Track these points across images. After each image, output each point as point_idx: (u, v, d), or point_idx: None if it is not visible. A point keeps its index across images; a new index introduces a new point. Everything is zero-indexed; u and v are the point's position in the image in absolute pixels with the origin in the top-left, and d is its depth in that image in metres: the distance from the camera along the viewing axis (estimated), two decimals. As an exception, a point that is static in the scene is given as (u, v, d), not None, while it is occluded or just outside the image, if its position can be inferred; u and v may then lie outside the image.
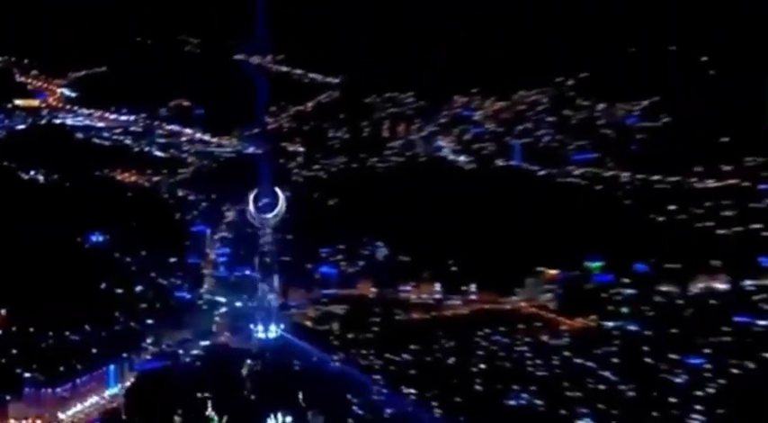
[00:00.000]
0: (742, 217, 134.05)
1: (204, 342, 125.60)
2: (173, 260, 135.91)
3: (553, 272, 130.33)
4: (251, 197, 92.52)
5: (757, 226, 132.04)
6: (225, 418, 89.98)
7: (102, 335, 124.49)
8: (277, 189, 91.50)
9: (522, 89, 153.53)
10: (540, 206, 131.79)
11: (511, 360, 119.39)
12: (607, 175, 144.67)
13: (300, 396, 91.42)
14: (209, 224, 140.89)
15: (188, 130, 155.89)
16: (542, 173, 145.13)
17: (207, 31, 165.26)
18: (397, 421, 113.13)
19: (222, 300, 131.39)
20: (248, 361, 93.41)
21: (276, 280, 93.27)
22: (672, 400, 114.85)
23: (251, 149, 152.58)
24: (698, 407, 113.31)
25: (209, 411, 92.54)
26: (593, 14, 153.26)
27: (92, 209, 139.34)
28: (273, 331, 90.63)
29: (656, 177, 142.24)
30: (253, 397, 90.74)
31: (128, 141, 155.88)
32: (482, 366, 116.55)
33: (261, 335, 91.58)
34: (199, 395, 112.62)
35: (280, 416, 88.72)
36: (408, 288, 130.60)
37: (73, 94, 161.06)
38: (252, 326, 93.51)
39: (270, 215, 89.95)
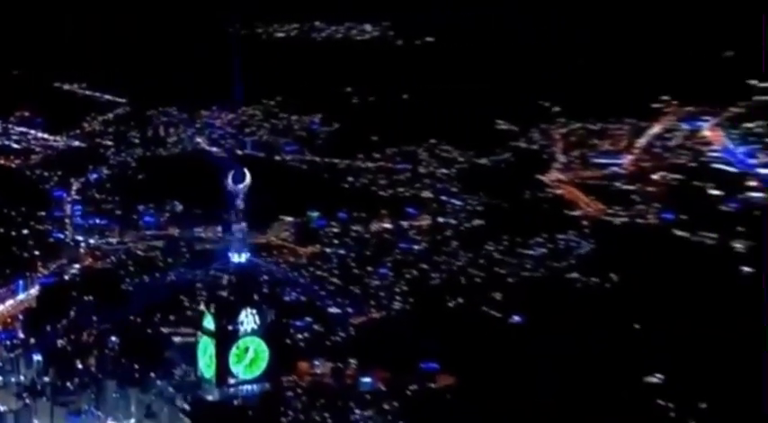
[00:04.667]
0: (392, 185, 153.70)
1: (76, 265, 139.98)
2: (43, 213, 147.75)
3: (289, 219, 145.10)
4: (229, 174, 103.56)
5: (401, 189, 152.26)
6: (212, 310, 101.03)
7: (8, 263, 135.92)
8: (245, 169, 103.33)
9: (244, 106, 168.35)
10: (272, 178, 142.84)
11: (269, 271, 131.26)
12: (307, 159, 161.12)
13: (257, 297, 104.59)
14: (65, 190, 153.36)
15: (32, 131, 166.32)
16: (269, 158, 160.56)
17: (32, 64, 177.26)
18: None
19: (81, 238, 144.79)
20: (226, 276, 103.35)
21: (244, 225, 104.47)
22: (380, 293, 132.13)
23: (76, 143, 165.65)
24: (397, 297, 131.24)
25: (202, 306, 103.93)
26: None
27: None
28: (243, 257, 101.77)
29: (336, 160, 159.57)
30: (231, 298, 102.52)
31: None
32: (265, 277, 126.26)
33: (236, 259, 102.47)
34: (85, 298, 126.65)
35: (248, 309, 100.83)
36: (200, 229, 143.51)
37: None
38: (229, 254, 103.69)
39: (241, 186, 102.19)
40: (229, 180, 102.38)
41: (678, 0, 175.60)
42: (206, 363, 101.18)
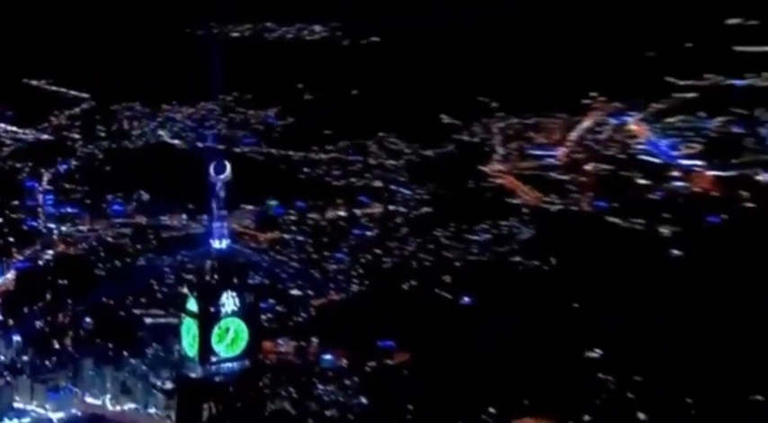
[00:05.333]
0: (345, 175, 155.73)
1: (50, 251, 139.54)
2: (16, 203, 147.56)
3: (249, 207, 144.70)
4: (211, 166, 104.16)
5: (354, 179, 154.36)
6: (195, 293, 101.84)
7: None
8: (226, 161, 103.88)
9: (203, 101, 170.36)
10: (232, 169, 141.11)
11: (243, 256, 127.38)
12: (264, 151, 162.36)
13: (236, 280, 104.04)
14: (36, 181, 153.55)
15: (2, 125, 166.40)
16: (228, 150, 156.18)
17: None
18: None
19: (53, 226, 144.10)
20: (208, 261, 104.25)
21: (225, 213, 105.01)
22: (338, 277, 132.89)
23: (45, 136, 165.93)
24: (354, 280, 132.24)
25: (185, 289, 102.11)
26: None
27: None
28: (224, 244, 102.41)
29: (291, 152, 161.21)
30: (213, 281, 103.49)
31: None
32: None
33: (216, 246, 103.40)
34: (60, 282, 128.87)
35: (229, 291, 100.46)
36: (165, 217, 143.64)
37: None
38: (210, 241, 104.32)
39: (222, 176, 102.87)
40: (211, 171, 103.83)
41: (604, 4, 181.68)
42: (189, 342, 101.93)
